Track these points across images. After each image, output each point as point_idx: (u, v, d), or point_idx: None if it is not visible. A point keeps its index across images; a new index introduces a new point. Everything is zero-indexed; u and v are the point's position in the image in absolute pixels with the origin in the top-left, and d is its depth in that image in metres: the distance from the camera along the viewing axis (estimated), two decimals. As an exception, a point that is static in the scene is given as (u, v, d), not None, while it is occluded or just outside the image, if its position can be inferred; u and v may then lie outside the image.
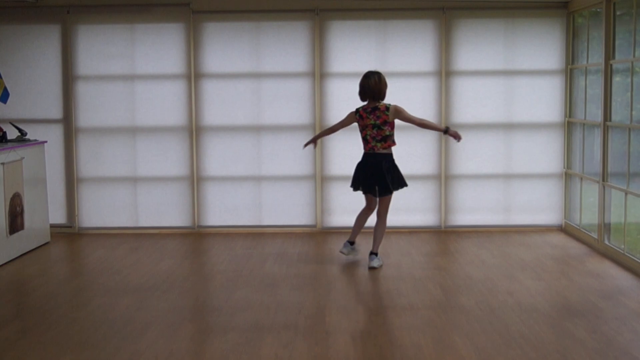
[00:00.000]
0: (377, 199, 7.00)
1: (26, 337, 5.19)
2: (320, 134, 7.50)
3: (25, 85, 8.69)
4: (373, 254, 7.06)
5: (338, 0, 8.55)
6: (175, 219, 8.83)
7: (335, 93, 8.63)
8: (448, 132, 7.05)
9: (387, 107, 6.87)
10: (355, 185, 7.06)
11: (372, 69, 7.30)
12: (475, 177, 8.75)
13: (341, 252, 7.26)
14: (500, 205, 8.78)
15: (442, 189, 8.73)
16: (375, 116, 6.84)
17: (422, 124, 7.08)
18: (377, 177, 6.86)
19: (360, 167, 6.99)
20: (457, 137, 7.01)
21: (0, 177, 7.21)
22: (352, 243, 7.26)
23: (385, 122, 6.84)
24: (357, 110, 6.96)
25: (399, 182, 6.97)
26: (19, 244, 7.58)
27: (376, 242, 7.08)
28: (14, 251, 7.49)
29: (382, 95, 6.91)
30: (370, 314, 5.72)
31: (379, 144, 6.87)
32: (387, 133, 6.86)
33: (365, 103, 6.98)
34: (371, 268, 6.96)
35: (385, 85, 6.91)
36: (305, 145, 7.39)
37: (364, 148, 6.94)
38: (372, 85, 6.85)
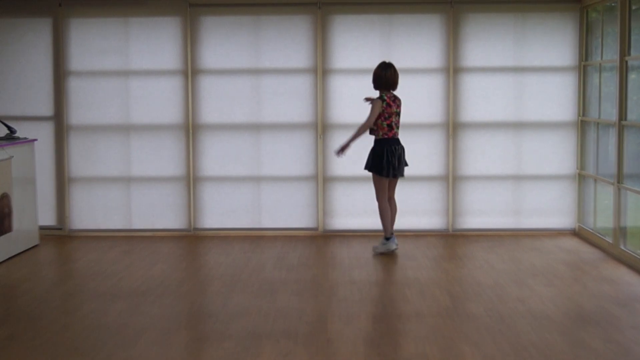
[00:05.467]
0: (391, 182, 7.60)
1: (14, 343, 5.14)
2: (356, 135, 7.50)
3: (15, 81, 8.68)
4: (391, 237, 7.61)
5: (341, -7, 8.62)
6: (171, 221, 8.77)
7: (338, 90, 8.61)
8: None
9: (400, 99, 7.59)
10: (389, 171, 7.40)
11: (380, 61, 7.60)
12: (484, 179, 8.70)
13: (383, 251, 7.56)
14: (510, 208, 8.72)
15: (449, 190, 8.67)
16: (396, 105, 7.47)
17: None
18: (401, 160, 7.49)
19: (390, 153, 7.36)
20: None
21: (-13, 176, 7.25)
22: (389, 238, 7.61)
23: (400, 112, 7.55)
24: (383, 98, 7.40)
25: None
26: (6, 247, 7.55)
27: (393, 224, 7.64)
28: (2, 254, 7.45)
29: (396, 86, 7.48)
30: (374, 321, 5.67)
31: (398, 131, 7.49)
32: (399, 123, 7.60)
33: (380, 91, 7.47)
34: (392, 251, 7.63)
35: (398, 77, 7.52)
36: (340, 152, 7.53)
37: (388, 134, 7.38)
38: (390, 76, 7.40)
